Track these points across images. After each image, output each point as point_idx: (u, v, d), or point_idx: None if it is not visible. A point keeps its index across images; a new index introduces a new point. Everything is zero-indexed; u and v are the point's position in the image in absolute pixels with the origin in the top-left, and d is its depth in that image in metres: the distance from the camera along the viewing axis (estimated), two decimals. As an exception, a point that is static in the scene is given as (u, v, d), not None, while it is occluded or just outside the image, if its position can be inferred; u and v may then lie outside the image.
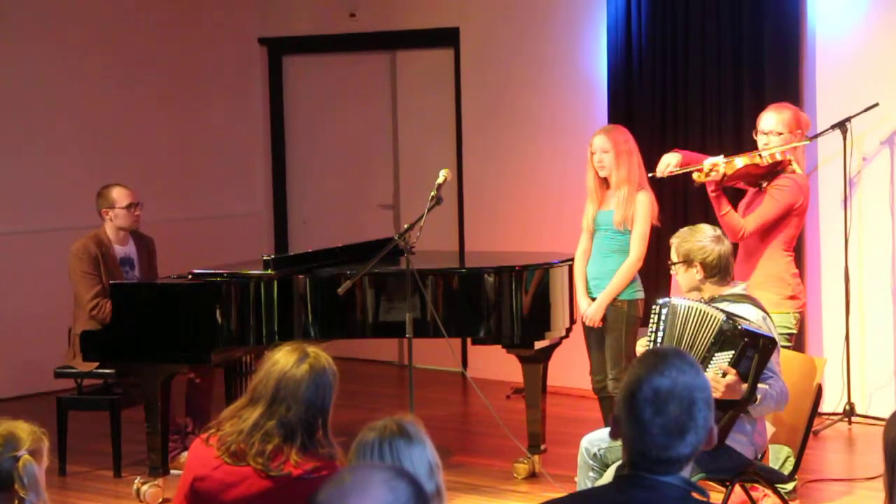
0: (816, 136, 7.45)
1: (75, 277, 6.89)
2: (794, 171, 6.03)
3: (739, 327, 4.84)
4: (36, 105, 8.91)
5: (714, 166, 5.86)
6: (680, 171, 6.15)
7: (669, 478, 2.62)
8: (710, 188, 5.95)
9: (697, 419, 2.59)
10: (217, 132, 9.93)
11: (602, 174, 6.41)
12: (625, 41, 8.23)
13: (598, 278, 6.45)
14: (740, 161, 5.92)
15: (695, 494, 2.64)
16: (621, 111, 8.24)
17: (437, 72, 9.48)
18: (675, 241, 5.29)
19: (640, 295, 6.44)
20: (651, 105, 8.18)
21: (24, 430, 3.08)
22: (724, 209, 5.93)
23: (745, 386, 4.80)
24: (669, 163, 6.14)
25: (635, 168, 6.38)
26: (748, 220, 5.98)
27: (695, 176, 5.93)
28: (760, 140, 6.10)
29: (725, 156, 5.96)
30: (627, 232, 6.37)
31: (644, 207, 6.35)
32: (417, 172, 9.35)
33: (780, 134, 6.05)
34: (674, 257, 5.26)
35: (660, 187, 7.81)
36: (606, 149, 6.37)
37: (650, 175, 6.28)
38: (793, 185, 5.98)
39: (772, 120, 6.10)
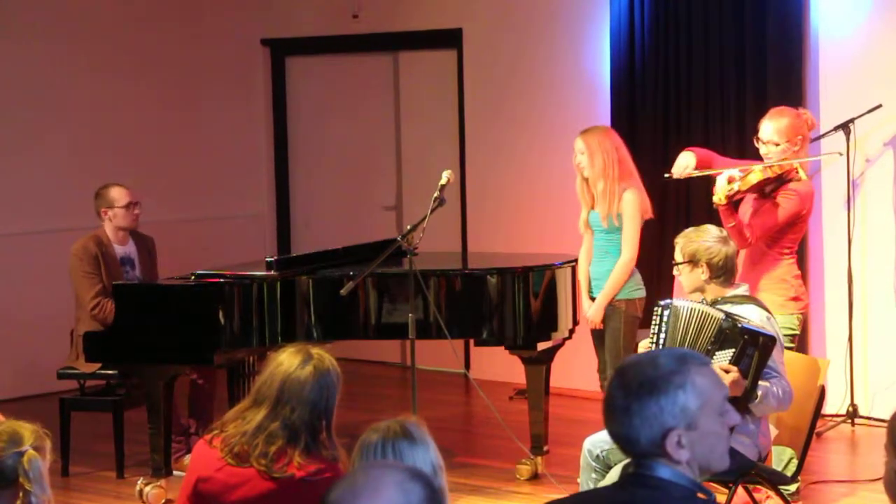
0: (819, 137, 7.44)
1: (76, 278, 6.89)
2: (799, 179, 6.04)
3: (739, 326, 4.86)
4: (38, 106, 8.91)
5: (731, 182, 5.84)
6: (698, 174, 6.14)
7: (675, 476, 2.62)
8: (721, 207, 5.93)
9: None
10: (219, 133, 9.93)
11: (585, 175, 6.46)
12: (627, 42, 8.22)
13: (597, 279, 6.50)
14: (754, 177, 5.92)
15: (700, 495, 2.64)
16: (624, 112, 8.24)
17: (439, 73, 9.47)
18: (680, 240, 5.30)
19: (639, 294, 6.45)
20: (654, 106, 8.18)
21: (26, 428, 3.10)
22: (731, 221, 5.90)
23: (745, 382, 4.81)
24: (688, 164, 6.12)
25: (612, 164, 6.39)
26: (754, 227, 5.98)
27: (715, 199, 5.89)
28: (761, 148, 6.10)
29: (741, 169, 5.93)
30: (617, 230, 6.39)
31: (631, 206, 6.37)
32: (420, 174, 9.34)
33: (778, 144, 6.04)
34: (678, 257, 5.27)
35: (663, 186, 7.83)
36: (581, 150, 6.45)
37: (666, 175, 6.27)
38: (799, 195, 5.99)
39: (769, 129, 6.09)
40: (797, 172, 6.04)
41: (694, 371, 2.63)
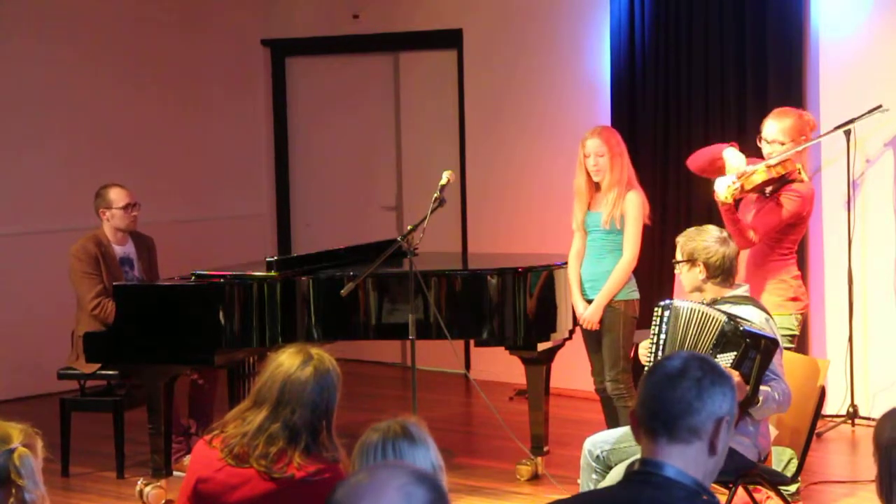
0: (819, 137, 7.45)
1: (76, 278, 6.89)
2: (802, 180, 6.04)
3: (741, 329, 4.85)
4: (39, 106, 8.91)
5: (733, 189, 5.82)
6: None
7: (680, 476, 2.62)
8: (723, 206, 5.91)
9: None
10: (220, 134, 9.93)
11: (597, 178, 6.39)
12: (628, 43, 8.22)
13: (593, 280, 6.44)
14: (758, 177, 5.90)
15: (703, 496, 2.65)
16: (624, 113, 8.24)
17: (440, 73, 9.48)
18: (681, 239, 5.32)
19: (636, 295, 6.44)
20: (654, 107, 8.17)
21: (15, 427, 3.09)
22: (736, 223, 5.89)
23: (747, 387, 4.81)
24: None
25: (626, 168, 6.39)
26: (757, 228, 5.97)
27: (721, 198, 5.83)
28: (764, 148, 6.09)
29: (738, 175, 5.90)
30: (618, 231, 6.37)
31: (635, 207, 6.35)
32: (420, 174, 9.34)
33: (783, 143, 6.05)
34: (678, 255, 5.29)
35: (663, 186, 7.84)
36: (601, 152, 6.35)
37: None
38: (801, 197, 5.99)
39: (773, 129, 6.09)
40: (799, 173, 6.04)
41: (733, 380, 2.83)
